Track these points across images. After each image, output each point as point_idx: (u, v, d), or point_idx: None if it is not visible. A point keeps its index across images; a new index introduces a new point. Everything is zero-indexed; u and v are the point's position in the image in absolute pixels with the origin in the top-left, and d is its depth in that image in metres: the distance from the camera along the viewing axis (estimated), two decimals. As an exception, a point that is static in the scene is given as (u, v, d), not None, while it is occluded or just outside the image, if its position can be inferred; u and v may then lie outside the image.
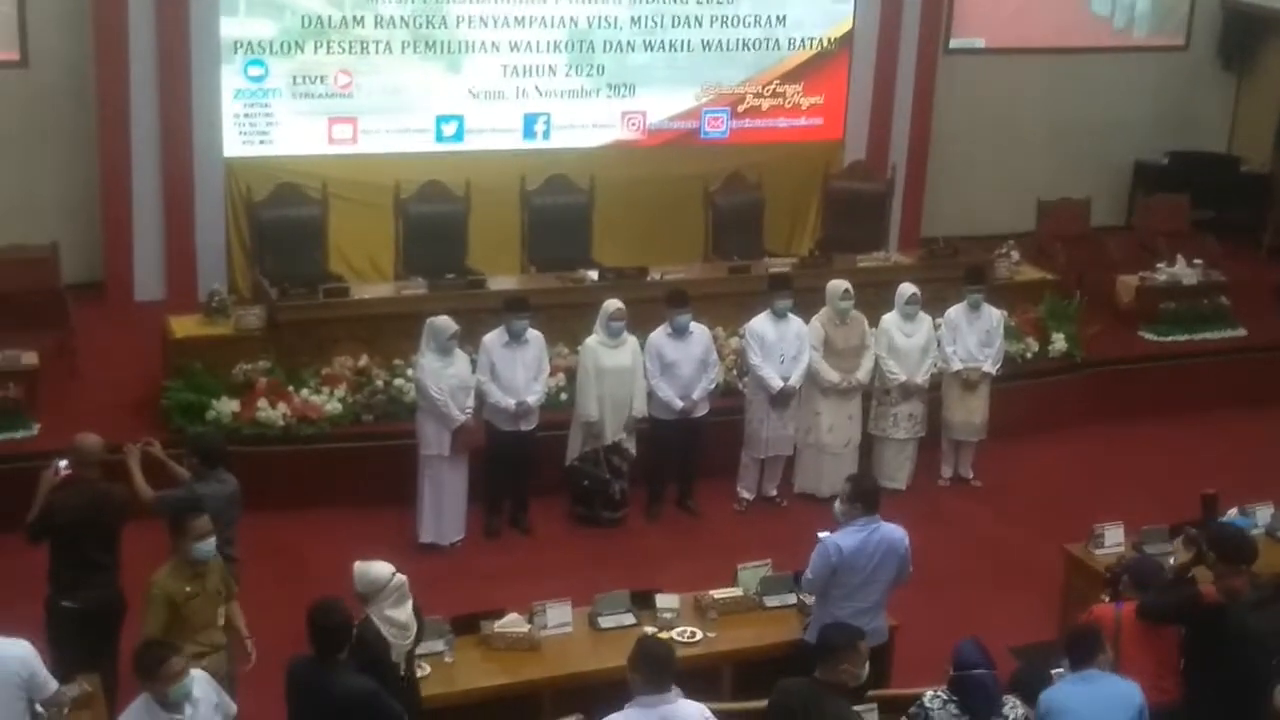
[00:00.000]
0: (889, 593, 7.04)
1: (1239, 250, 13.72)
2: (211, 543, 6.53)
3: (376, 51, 11.59)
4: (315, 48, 11.44)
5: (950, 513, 10.03)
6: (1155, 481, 10.04)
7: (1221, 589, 6.52)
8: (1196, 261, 12.41)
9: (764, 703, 6.60)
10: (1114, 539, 8.11)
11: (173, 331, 9.78)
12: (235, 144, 11.41)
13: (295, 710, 5.88)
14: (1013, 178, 14.00)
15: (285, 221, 10.89)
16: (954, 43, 13.92)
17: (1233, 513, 8.42)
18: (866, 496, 6.98)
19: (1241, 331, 12.28)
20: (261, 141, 11.46)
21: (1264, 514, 8.49)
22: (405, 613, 6.24)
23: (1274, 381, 11.81)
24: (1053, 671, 6.33)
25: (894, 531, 6.97)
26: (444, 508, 9.04)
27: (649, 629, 7.14)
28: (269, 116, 11.45)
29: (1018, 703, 5.85)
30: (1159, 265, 12.41)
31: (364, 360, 9.82)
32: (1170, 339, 12.03)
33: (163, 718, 5.57)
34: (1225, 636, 6.36)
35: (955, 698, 5.70)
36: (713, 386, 9.65)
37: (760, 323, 9.68)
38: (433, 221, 11.04)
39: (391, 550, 8.75)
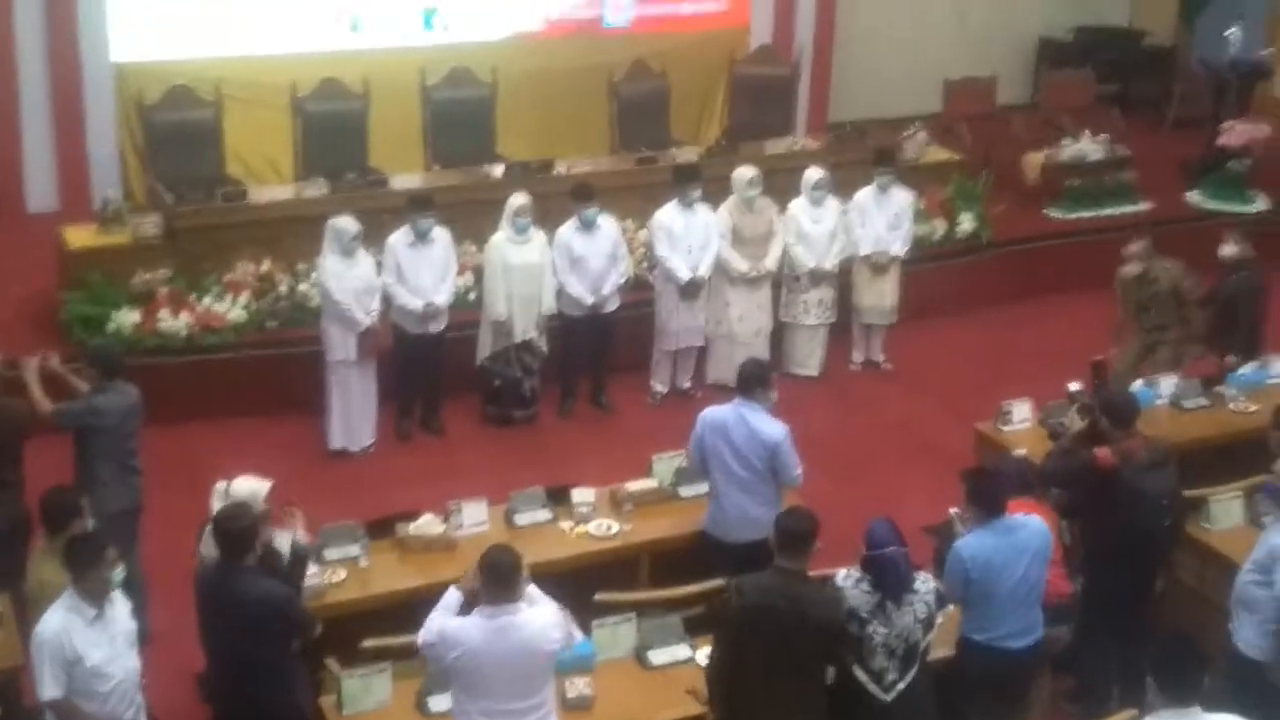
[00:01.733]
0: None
1: (1144, 124, 13.83)
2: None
3: (259, -50, 11.26)
4: (204, -55, 11.10)
5: (862, 397, 10.09)
6: (1063, 357, 10.02)
7: (1116, 452, 6.66)
8: (1101, 137, 12.46)
9: (682, 589, 6.71)
10: (1021, 415, 8.20)
11: (68, 243, 9.54)
12: (124, 48, 11.06)
13: (207, 619, 5.81)
14: (918, 58, 13.93)
15: (179, 125, 10.62)
16: (856, -78, 13.77)
17: (1138, 384, 8.55)
18: None
19: (1146, 205, 12.36)
20: (152, 44, 11.10)
21: (1167, 385, 8.61)
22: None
23: (1178, 254, 11.86)
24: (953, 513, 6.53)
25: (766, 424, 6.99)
26: (353, 413, 8.95)
27: (564, 524, 7.16)
28: (158, 18, 11.08)
29: (929, 577, 5.92)
30: (1064, 142, 12.44)
31: (266, 265, 9.65)
32: (1076, 216, 12.10)
33: (89, 614, 5.49)
34: (1120, 496, 6.52)
35: (868, 576, 5.75)
36: (623, 280, 9.58)
37: (667, 214, 9.60)
38: (331, 121, 10.83)
39: (301, 458, 8.83)
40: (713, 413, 7.06)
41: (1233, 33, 12.62)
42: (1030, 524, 6.16)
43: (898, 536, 5.83)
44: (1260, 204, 12.45)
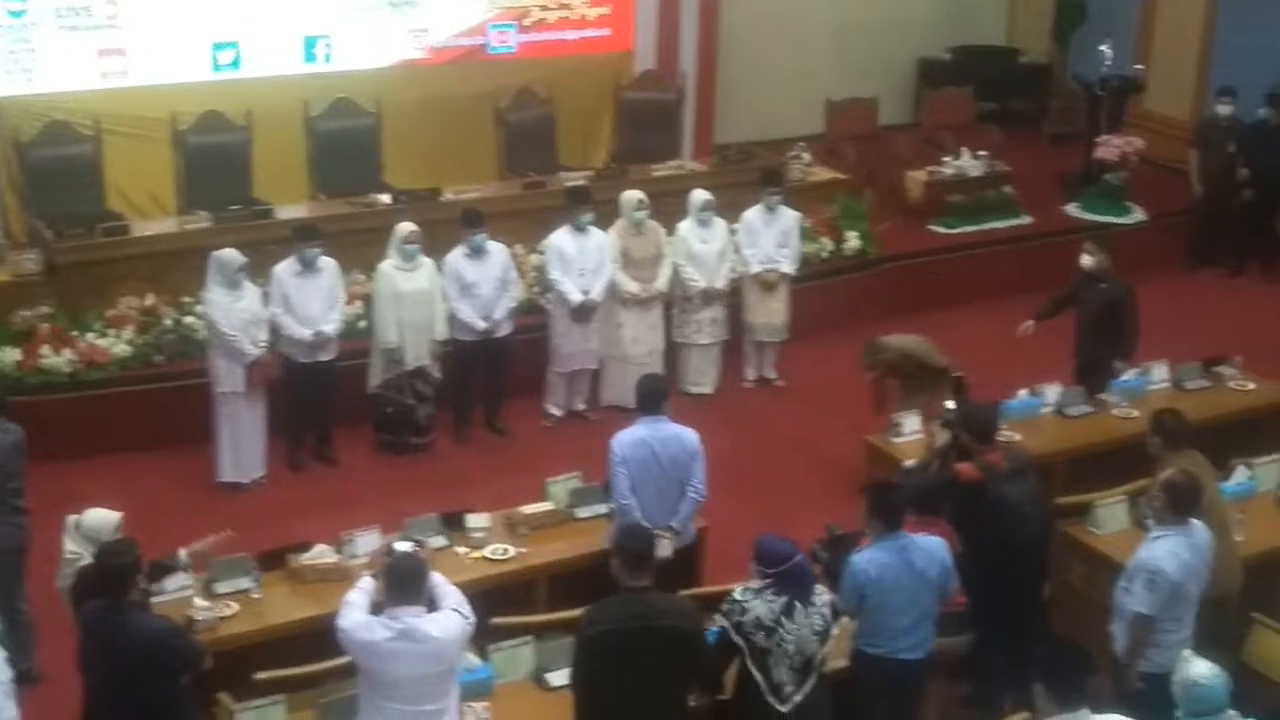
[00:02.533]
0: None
1: (1022, 140, 14.10)
2: None
3: (144, -22, 11.13)
4: (77, -24, 10.94)
5: (756, 414, 10.17)
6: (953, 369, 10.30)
7: (979, 464, 6.81)
8: (981, 153, 12.71)
9: (580, 611, 6.67)
10: (911, 427, 8.32)
11: (-56, 282, 9.35)
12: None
13: (90, 658, 5.68)
14: (801, 80, 14.11)
15: (57, 161, 10.43)
16: (737, -54, 13.92)
17: (1023, 393, 8.72)
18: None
19: (1027, 219, 12.64)
20: (27, 78, 10.87)
21: (1052, 393, 8.78)
22: None
23: (1060, 267, 12.06)
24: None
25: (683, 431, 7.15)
26: (242, 444, 8.85)
27: (459, 550, 7.13)
28: (32, 52, 10.85)
29: (824, 589, 5.98)
30: (945, 159, 12.68)
31: (150, 299, 9.53)
32: (959, 230, 12.33)
33: None
34: (986, 508, 6.65)
35: (770, 585, 5.78)
36: (514, 305, 9.59)
37: (560, 237, 9.63)
38: (214, 153, 10.70)
39: (191, 491, 8.70)
40: (627, 434, 7.09)
41: (1104, 49, 12.93)
42: (927, 544, 6.24)
43: (792, 546, 5.89)
44: (1138, 215, 12.77)
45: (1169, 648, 6.10)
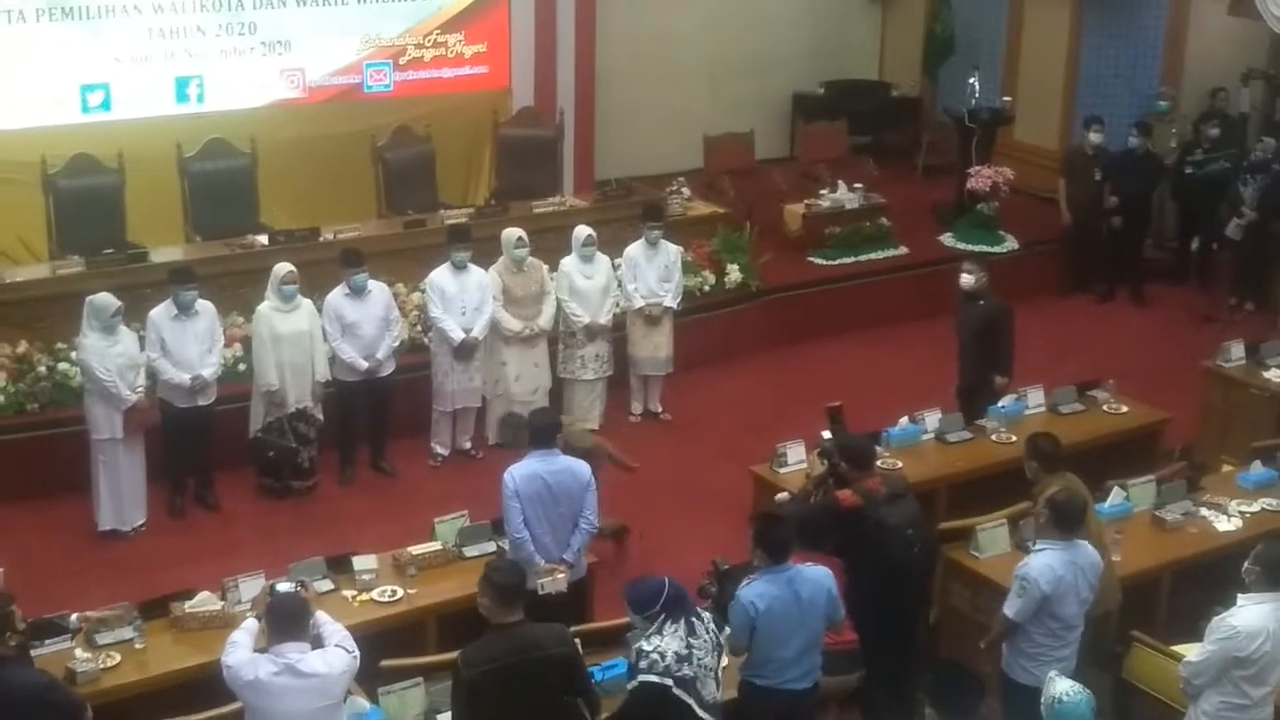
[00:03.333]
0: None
1: (896, 172, 14.34)
2: None
3: (9, 21, 10.89)
4: (-59, 21, 10.71)
5: (642, 448, 10.11)
6: (833, 398, 10.40)
7: (858, 491, 6.90)
8: (857, 186, 12.91)
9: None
10: (796, 456, 8.37)
11: None
12: None
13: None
14: (678, 116, 14.24)
15: (-77, 207, 10.21)
16: (610, -17, 14.03)
17: (903, 421, 8.85)
18: None
19: (904, 250, 12.84)
20: (-111, 123, 10.69)
21: (932, 420, 8.91)
22: None
23: (936, 295, 12.33)
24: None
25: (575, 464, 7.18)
26: (122, 491, 8.68)
27: (346, 593, 7.05)
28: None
29: (705, 614, 6.03)
30: (822, 192, 12.85)
31: (23, 346, 9.32)
32: (838, 262, 12.48)
33: None
34: (868, 534, 6.73)
35: (663, 620, 5.79)
36: (397, 344, 9.54)
37: (440, 275, 9.59)
38: (86, 196, 10.50)
39: (71, 540, 8.52)
40: (520, 468, 7.09)
41: (973, 82, 13.22)
42: (813, 574, 6.29)
43: (654, 577, 5.92)
44: (1011, 243, 13.04)
45: (1049, 664, 6.23)
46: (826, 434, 7.68)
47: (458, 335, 9.52)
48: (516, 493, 7.01)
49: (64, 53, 11.13)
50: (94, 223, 10.38)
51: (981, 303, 9.28)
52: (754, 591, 6.16)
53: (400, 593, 7.11)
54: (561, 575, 7.03)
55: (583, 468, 7.18)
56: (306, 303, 9.11)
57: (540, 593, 6.89)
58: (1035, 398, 9.26)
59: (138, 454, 8.73)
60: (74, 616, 6.47)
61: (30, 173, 10.58)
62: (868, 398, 9.87)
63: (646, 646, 5.79)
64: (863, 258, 12.61)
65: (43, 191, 10.51)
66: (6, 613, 5.60)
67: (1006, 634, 6.45)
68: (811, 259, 12.49)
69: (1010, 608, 6.37)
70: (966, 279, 9.30)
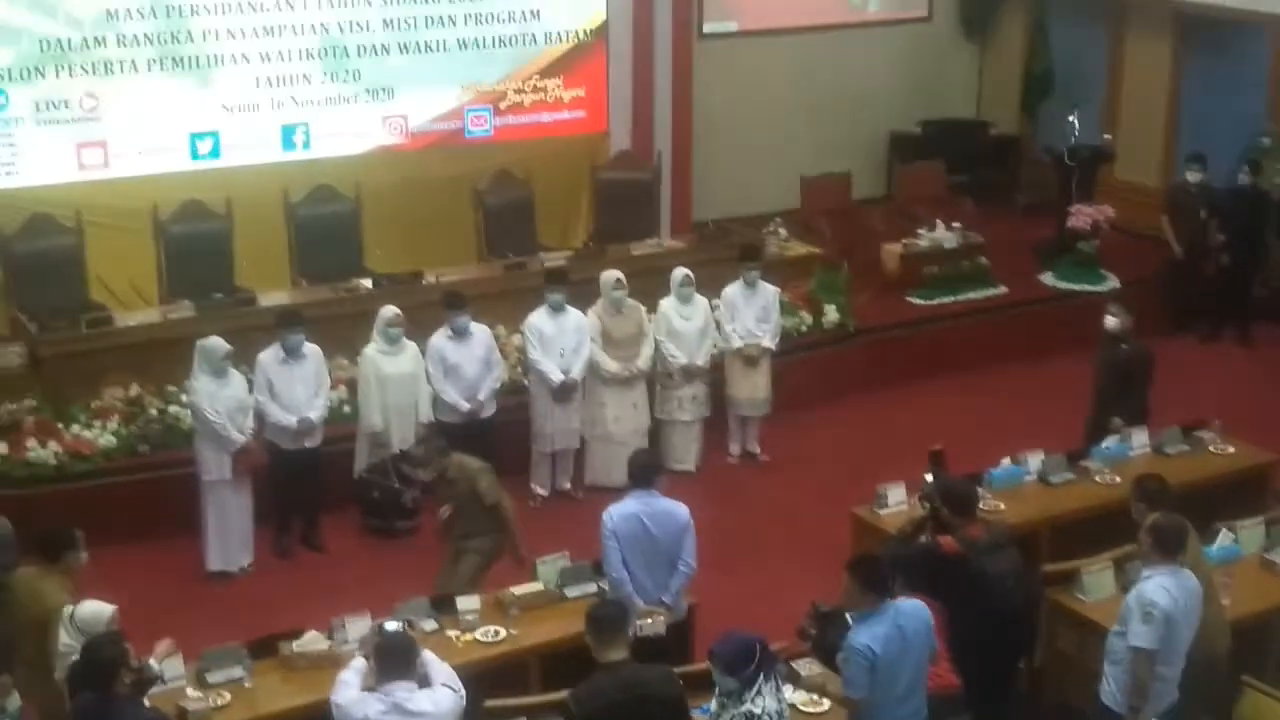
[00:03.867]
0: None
1: (995, 211, 14.23)
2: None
3: (122, 71, 11.20)
4: (57, 71, 11.02)
5: (741, 489, 10.20)
6: (932, 440, 10.33)
7: (959, 539, 6.87)
8: (955, 225, 12.85)
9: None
10: (897, 498, 8.34)
11: (-71, 377, 9.37)
12: (-20, 177, 10.96)
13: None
14: (775, 156, 14.27)
15: (40, 253, 10.46)
16: (707, 27, 14.12)
17: (1005, 462, 8.77)
18: None
19: (1003, 289, 12.76)
20: (7, 173, 10.98)
21: (1034, 461, 8.83)
22: None
23: (1036, 335, 12.30)
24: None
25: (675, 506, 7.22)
26: (230, 532, 8.85)
27: (450, 633, 7.12)
28: (13, 146, 10.97)
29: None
30: (920, 231, 12.80)
31: (135, 390, 9.56)
32: (936, 302, 12.42)
33: None
34: (968, 581, 6.68)
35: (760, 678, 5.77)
36: (498, 386, 9.64)
37: (538, 317, 9.70)
38: (195, 241, 10.75)
39: (180, 581, 8.68)
40: (618, 508, 7.16)
41: (1073, 120, 13.14)
42: (911, 607, 6.23)
43: (743, 635, 5.87)
44: (1112, 281, 12.89)
45: (1154, 695, 6.16)
46: (929, 477, 7.64)
47: (556, 377, 9.61)
48: (615, 532, 7.07)
49: (175, 101, 11.42)
50: (203, 268, 10.62)
51: (1124, 346, 9.28)
52: (866, 635, 6.05)
53: (503, 633, 7.17)
54: (660, 618, 7.06)
55: (681, 510, 7.19)
56: (411, 345, 9.25)
57: (639, 634, 6.90)
58: (1140, 439, 9.14)
59: (246, 496, 8.89)
60: (154, 664, 6.41)
61: (141, 220, 10.85)
62: (968, 439, 9.79)
63: (755, 709, 5.72)
64: (961, 297, 12.54)
65: (154, 238, 10.79)
66: (120, 651, 5.74)
67: (1148, 670, 6.28)
68: (910, 299, 12.45)
69: (1143, 639, 6.24)
70: (1111, 320, 9.30)
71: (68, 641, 6.48)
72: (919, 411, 11.12)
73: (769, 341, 10.39)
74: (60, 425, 9.28)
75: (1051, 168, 13.71)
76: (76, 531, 6.89)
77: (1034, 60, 14.77)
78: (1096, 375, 9.46)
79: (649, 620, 7.02)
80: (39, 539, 6.88)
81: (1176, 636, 6.32)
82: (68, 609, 6.53)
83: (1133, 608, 6.30)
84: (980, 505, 7.52)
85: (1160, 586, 6.27)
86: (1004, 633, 6.77)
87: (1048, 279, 13.04)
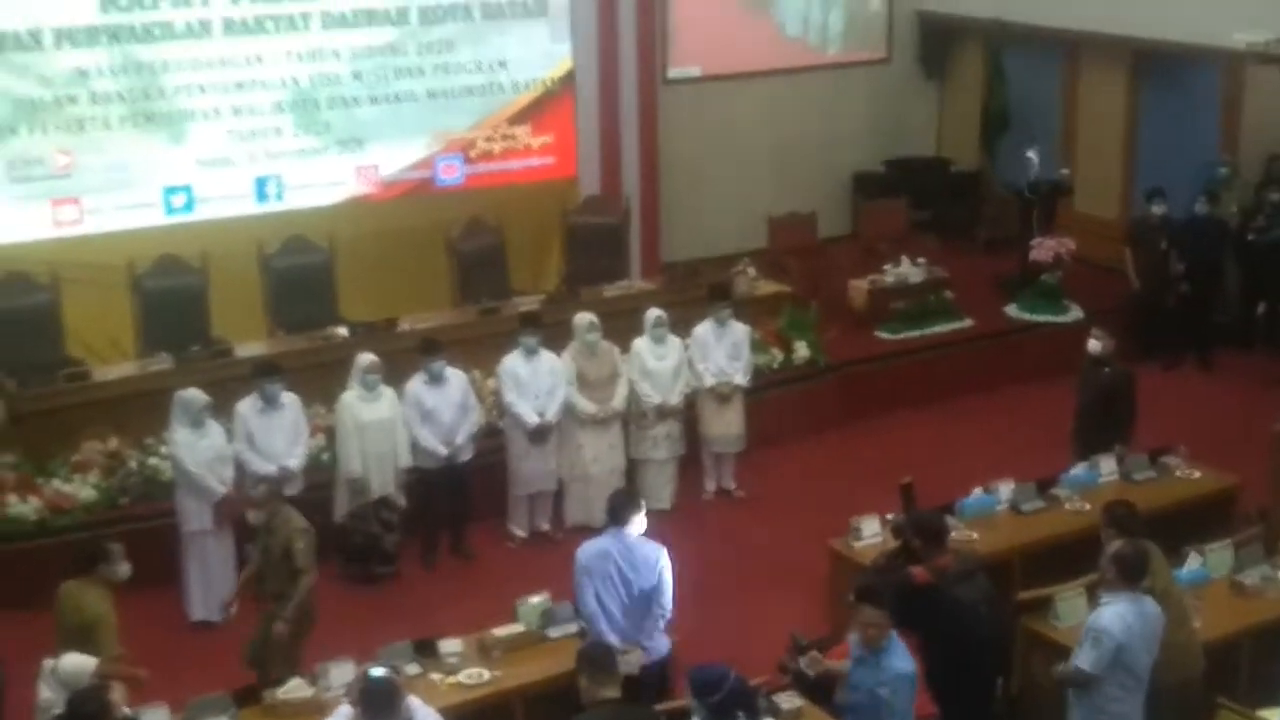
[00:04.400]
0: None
1: (957, 246, 14.46)
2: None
3: (95, 129, 11.35)
4: (29, 130, 11.14)
5: (717, 525, 10.30)
6: (904, 471, 10.47)
7: (930, 569, 7.00)
8: (920, 260, 13.05)
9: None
10: (871, 530, 8.46)
11: (-93, 435, 9.40)
12: (-47, 236, 11.03)
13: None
14: (741, 197, 14.47)
15: (16, 311, 10.51)
16: (672, 73, 14.32)
17: (977, 492, 8.91)
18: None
19: (969, 322, 12.94)
20: (-18, 231, 11.10)
21: (1005, 490, 8.97)
22: None
23: (1002, 366, 12.50)
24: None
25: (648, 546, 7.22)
26: (212, 582, 8.88)
27: (434, 676, 7.18)
28: (-14, 205, 11.10)
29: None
30: (886, 267, 13.00)
31: (114, 443, 9.61)
32: (903, 336, 12.60)
33: None
34: (941, 610, 6.80)
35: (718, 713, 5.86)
36: (475, 430, 9.73)
37: (512, 361, 9.81)
38: (171, 295, 10.83)
39: (163, 631, 8.69)
40: (591, 545, 7.23)
41: (1031, 155, 13.36)
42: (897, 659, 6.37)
43: (723, 666, 5.97)
44: (1075, 312, 13.08)
45: (1115, 717, 6.29)
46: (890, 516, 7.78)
47: (532, 419, 9.71)
48: (586, 569, 7.12)
49: (148, 157, 11.57)
50: (180, 321, 10.69)
51: (1106, 369, 9.47)
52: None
53: (486, 675, 7.22)
54: (634, 655, 7.06)
55: (656, 550, 7.20)
56: (389, 391, 9.34)
57: None
58: (1108, 465, 9.30)
59: (227, 545, 8.94)
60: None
61: (117, 275, 10.92)
62: (939, 469, 9.97)
63: None
64: (928, 331, 12.72)
65: (130, 292, 10.86)
66: (104, 705, 5.80)
67: (1079, 685, 6.50)
68: (878, 334, 12.62)
69: (1085, 660, 6.44)
70: (1095, 344, 9.49)
71: (47, 695, 6.54)
72: (890, 444, 11.28)
73: (741, 379, 10.53)
74: (40, 480, 9.32)
75: (1012, 202, 13.94)
76: (112, 545, 7.25)
77: (991, 97, 15.01)
78: (1080, 397, 9.63)
79: (623, 657, 6.96)
80: (74, 555, 7.18)
81: (1135, 663, 6.48)
82: (49, 662, 6.58)
83: (1087, 632, 6.50)
84: (952, 535, 7.65)
85: (1117, 614, 6.44)
86: (978, 659, 6.89)
87: (1012, 311, 13.24)
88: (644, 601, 7.17)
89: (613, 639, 7.06)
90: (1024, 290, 13.28)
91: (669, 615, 7.29)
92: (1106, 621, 6.41)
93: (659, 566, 7.18)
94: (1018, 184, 13.56)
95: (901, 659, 6.31)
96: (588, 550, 7.19)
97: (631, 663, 7.03)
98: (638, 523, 7.24)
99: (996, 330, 12.93)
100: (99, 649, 6.82)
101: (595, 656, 5.94)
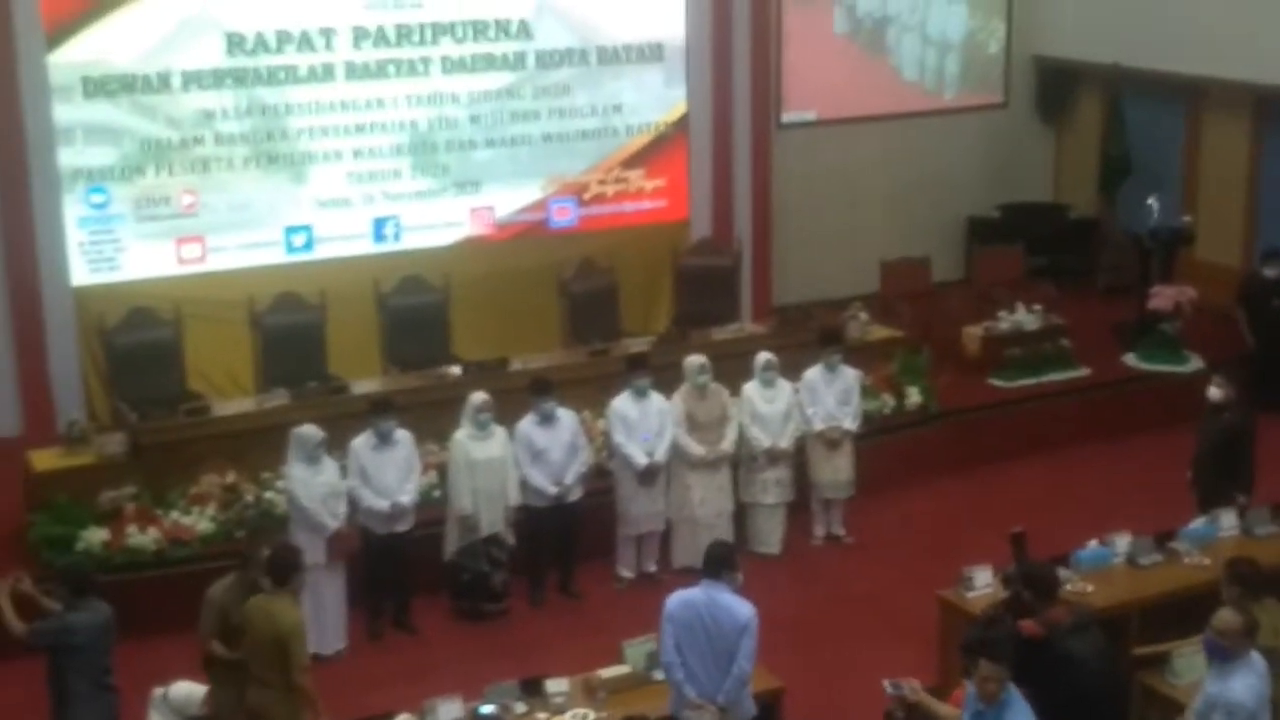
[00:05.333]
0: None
1: (1075, 293, 14.25)
2: None
3: (219, 169, 11.65)
4: (156, 170, 11.47)
5: (825, 571, 10.23)
6: (1016, 520, 10.32)
7: (1041, 621, 6.87)
8: (1035, 307, 12.89)
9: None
10: (983, 580, 8.32)
11: (33, 465, 9.65)
12: (83, 272, 11.36)
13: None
14: (854, 241, 14.44)
15: (140, 345, 10.80)
16: (786, 117, 14.36)
17: (1093, 544, 8.75)
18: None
19: (1084, 371, 12.74)
20: (110, 268, 11.43)
21: (1122, 542, 8.79)
22: None
23: (1119, 416, 12.28)
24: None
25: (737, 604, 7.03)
26: (324, 616, 8.97)
27: (540, 715, 7.20)
28: (115, 242, 11.42)
29: None
30: (1000, 314, 12.85)
31: (231, 477, 9.77)
32: (1018, 384, 12.43)
33: None
34: (1051, 664, 6.66)
35: None
36: (584, 470, 9.76)
37: (622, 402, 9.84)
38: (290, 332, 11.05)
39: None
40: (680, 594, 7.14)
41: (1152, 202, 13.17)
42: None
43: None
44: (1195, 363, 12.83)
45: None
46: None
47: (641, 460, 9.73)
48: (670, 617, 7.01)
49: (270, 197, 11.86)
50: (298, 357, 10.91)
51: (1226, 414, 9.31)
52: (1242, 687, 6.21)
53: (591, 715, 7.19)
54: (708, 713, 6.93)
55: (744, 609, 6.97)
56: (500, 430, 9.42)
57: None
58: (1228, 519, 9.07)
59: (339, 579, 9.05)
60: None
61: (238, 311, 11.18)
62: (1053, 520, 9.82)
63: None
64: (1043, 379, 12.54)
65: (250, 329, 11.10)
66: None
67: None
68: (991, 381, 12.47)
69: None
70: (1215, 392, 9.35)
71: None
72: (1003, 493, 11.13)
73: (850, 424, 10.46)
74: (159, 512, 9.51)
75: (1131, 250, 13.73)
76: (300, 550, 7.47)
77: (1111, 143, 14.83)
78: (1199, 443, 9.46)
79: (697, 713, 6.95)
80: (267, 564, 7.26)
81: None
82: (159, 690, 6.71)
83: (1214, 702, 6.34)
84: (1065, 587, 7.52)
85: (1248, 686, 6.31)
86: (1090, 714, 6.74)
87: (1130, 360, 13.02)
88: (726, 659, 6.96)
89: (689, 692, 6.96)
90: (1142, 339, 13.06)
91: (745, 676, 7.02)
92: (1240, 695, 6.26)
93: (744, 627, 6.94)
94: (1138, 231, 13.37)
95: (1021, 714, 6.17)
96: (676, 598, 7.09)
97: (703, 719, 6.93)
98: (731, 580, 7.05)
99: (1113, 379, 12.72)
100: (294, 659, 7.03)
101: None
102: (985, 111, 15.59)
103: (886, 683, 6.82)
